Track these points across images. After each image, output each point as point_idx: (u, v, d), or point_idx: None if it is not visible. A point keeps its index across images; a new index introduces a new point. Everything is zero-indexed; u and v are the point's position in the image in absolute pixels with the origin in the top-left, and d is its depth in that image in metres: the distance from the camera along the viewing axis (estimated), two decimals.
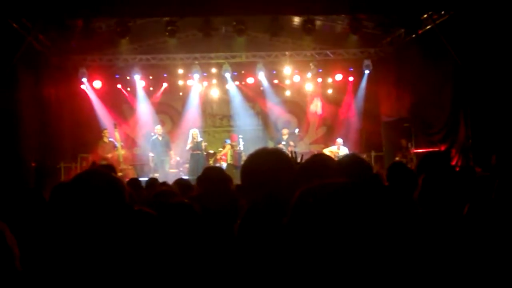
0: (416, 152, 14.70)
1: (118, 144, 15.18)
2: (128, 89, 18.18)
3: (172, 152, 16.88)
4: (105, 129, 15.86)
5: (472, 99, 12.41)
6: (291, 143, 16.47)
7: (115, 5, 12.04)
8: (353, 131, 18.09)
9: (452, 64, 12.85)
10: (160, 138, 16.40)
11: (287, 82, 18.63)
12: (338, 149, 16.26)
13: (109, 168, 6.05)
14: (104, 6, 11.94)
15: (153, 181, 6.83)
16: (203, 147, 16.25)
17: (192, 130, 16.45)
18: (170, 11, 12.49)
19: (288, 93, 19.21)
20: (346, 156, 4.48)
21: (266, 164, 2.67)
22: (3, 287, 1.35)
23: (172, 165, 16.91)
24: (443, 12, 12.94)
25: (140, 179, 13.94)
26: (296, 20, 14.84)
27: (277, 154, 2.80)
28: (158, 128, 16.51)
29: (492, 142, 11.20)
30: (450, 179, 3.15)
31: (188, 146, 16.23)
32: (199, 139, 16.28)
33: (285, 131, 17.04)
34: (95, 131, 16.86)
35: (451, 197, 3.04)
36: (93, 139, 16.50)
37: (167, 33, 13.90)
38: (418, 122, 15.34)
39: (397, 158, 15.55)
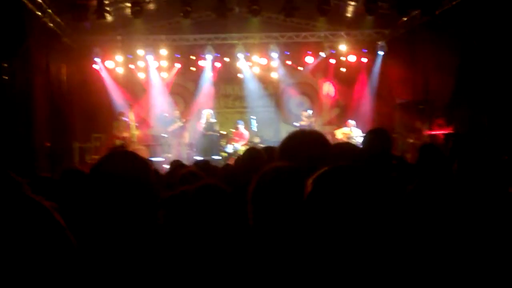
0: (430, 134, 14.61)
1: (132, 124, 15.25)
2: (141, 69, 18.12)
3: (186, 134, 17.00)
4: (122, 111, 15.95)
5: (489, 82, 12.28)
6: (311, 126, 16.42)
7: None
8: (366, 112, 17.99)
9: (469, 45, 12.71)
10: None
11: (300, 63, 18.50)
12: (351, 131, 16.20)
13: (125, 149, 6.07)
14: None
15: (176, 163, 6.78)
16: (217, 128, 16.29)
17: (205, 111, 16.47)
18: None
19: (301, 74, 19.08)
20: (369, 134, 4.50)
21: (305, 144, 2.83)
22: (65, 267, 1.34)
23: (185, 145, 17.01)
24: None
25: (153, 159, 14.13)
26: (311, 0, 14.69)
27: (315, 136, 2.97)
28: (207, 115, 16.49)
29: (509, 126, 11.12)
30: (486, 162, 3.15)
31: (202, 126, 16.26)
32: (213, 120, 16.30)
33: (304, 113, 16.96)
34: (108, 111, 16.95)
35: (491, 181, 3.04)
36: (106, 119, 16.59)
37: (182, 14, 13.83)
38: (434, 104, 15.23)
39: (411, 140, 15.46)
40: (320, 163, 2.36)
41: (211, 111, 16.56)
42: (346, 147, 3.88)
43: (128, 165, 2.31)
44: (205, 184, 2.42)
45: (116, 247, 2.08)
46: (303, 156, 2.68)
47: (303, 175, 1.96)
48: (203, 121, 16.33)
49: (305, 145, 2.86)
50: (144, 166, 2.35)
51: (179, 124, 16.53)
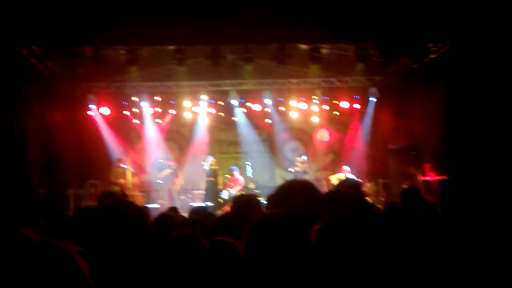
0: (424, 180, 14.66)
1: (129, 171, 15.32)
2: (136, 116, 18.25)
3: (177, 180, 17.12)
4: (120, 158, 16.04)
5: (478, 127, 12.43)
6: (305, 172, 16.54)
7: (124, 34, 12.20)
8: (360, 158, 18.08)
9: (459, 92, 12.90)
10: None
11: (293, 109, 18.68)
12: (345, 177, 16.23)
13: (114, 196, 6.11)
14: (113, 35, 12.09)
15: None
16: (217, 174, 16.47)
17: (210, 157, 16.68)
18: (179, 39, 12.64)
19: (294, 120, 19.23)
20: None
21: (297, 193, 2.90)
22: None
23: (179, 192, 17.10)
24: (447, 42, 13.05)
25: (149, 205, 14.13)
26: (303, 48, 14.94)
27: (306, 185, 3.05)
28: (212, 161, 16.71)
29: (498, 170, 11.20)
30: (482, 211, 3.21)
31: (204, 168, 16.52)
32: (216, 167, 16.53)
33: (298, 159, 17.06)
34: (103, 157, 16.98)
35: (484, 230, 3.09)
36: (102, 166, 16.61)
37: (175, 61, 14.04)
38: (426, 149, 15.34)
39: (404, 186, 15.50)
40: (311, 211, 2.44)
41: (214, 159, 16.73)
42: (339, 195, 3.94)
43: (125, 215, 2.39)
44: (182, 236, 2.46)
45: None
46: (295, 204, 2.75)
47: (301, 222, 2.03)
48: (207, 167, 16.45)
49: (297, 194, 2.93)
50: (141, 215, 2.43)
51: (169, 170, 16.67)
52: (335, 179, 16.35)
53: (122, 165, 15.74)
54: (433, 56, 13.76)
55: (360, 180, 13.88)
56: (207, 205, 14.40)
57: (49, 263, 1.35)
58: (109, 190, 13.60)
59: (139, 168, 17.95)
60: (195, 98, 17.91)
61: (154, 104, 17.89)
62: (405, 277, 1.74)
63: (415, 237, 3.30)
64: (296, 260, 1.87)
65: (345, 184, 4.07)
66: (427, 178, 14.60)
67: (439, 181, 14.10)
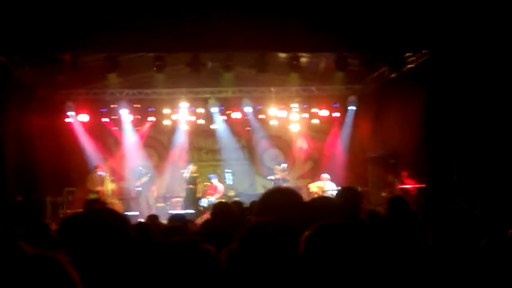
0: (402, 188, 14.78)
1: (107, 178, 15.20)
2: (114, 123, 18.13)
3: (154, 187, 17.11)
4: (97, 165, 15.87)
5: (456, 136, 12.58)
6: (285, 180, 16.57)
7: (104, 41, 12.11)
8: (339, 166, 18.18)
9: (437, 101, 13.05)
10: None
11: (273, 117, 18.70)
12: (325, 184, 16.30)
13: (98, 203, 6.08)
14: (92, 42, 12.00)
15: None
16: (197, 182, 16.46)
17: (190, 165, 16.74)
18: (158, 47, 12.60)
19: (274, 128, 19.26)
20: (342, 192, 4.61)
21: (281, 200, 2.94)
22: None
23: (157, 199, 17.05)
24: (425, 51, 13.20)
25: (128, 213, 14.04)
26: (282, 56, 15.00)
27: (290, 193, 3.09)
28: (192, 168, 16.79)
29: (477, 179, 11.34)
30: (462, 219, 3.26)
31: (184, 176, 16.48)
32: (196, 174, 16.56)
33: (278, 167, 17.08)
34: (81, 164, 16.85)
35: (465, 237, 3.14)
36: (80, 173, 16.47)
37: (155, 68, 13.99)
38: (404, 158, 15.47)
39: (384, 194, 15.61)
40: (296, 218, 2.47)
41: (195, 167, 16.72)
42: (323, 203, 3.98)
43: (108, 223, 2.38)
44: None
45: None
46: (280, 212, 2.76)
47: (292, 230, 2.05)
48: (187, 175, 16.42)
49: (281, 201, 2.96)
50: (123, 223, 2.43)
51: (145, 178, 16.62)
52: (315, 187, 16.42)
53: (100, 173, 15.60)
54: (412, 65, 13.90)
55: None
56: (186, 212, 14.38)
57: (45, 276, 1.35)
58: (92, 197, 13.53)
59: (118, 175, 17.84)
60: (174, 106, 17.86)
61: (133, 111, 17.80)
62: (393, 282, 1.77)
63: (398, 244, 3.34)
64: (288, 268, 1.88)
65: (345, 192, 4.12)
66: (406, 186, 14.72)
67: (417, 189, 14.23)
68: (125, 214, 7.85)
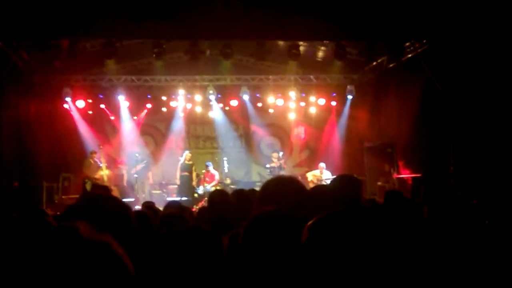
0: (399, 177, 14.83)
1: (102, 165, 15.18)
2: (112, 109, 18.10)
3: (150, 174, 17.08)
4: (94, 150, 15.83)
5: (454, 125, 12.60)
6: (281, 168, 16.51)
7: (103, 26, 12.06)
8: (335, 155, 18.22)
9: (434, 91, 13.07)
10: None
11: (271, 105, 18.71)
12: (321, 173, 16.33)
13: (105, 190, 6.10)
14: (91, 27, 11.95)
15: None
16: (192, 169, 16.45)
17: (186, 152, 16.74)
18: (158, 33, 12.55)
19: (271, 116, 19.28)
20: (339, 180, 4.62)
21: (283, 188, 2.93)
22: None
23: (153, 186, 17.08)
24: (425, 41, 13.20)
25: (124, 199, 14.03)
26: (281, 45, 14.98)
27: (292, 181, 3.08)
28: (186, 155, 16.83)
29: (473, 169, 11.39)
30: (457, 208, 3.28)
31: (180, 164, 16.49)
32: (190, 162, 16.57)
33: (274, 155, 17.05)
34: (78, 151, 16.84)
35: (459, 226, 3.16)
36: (75, 159, 16.48)
37: (154, 55, 13.94)
38: (400, 147, 15.51)
39: (379, 183, 15.68)
40: (298, 207, 2.48)
41: (189, 154, 16.74)
42: (323, 191, 4.00)
43: (111, 209, 2.39)
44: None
45: None
46: (282, 201, 2.77)
47: (298, 219, 2.05)
48: (181, 161, 16.47)
49: (284, 190, 2.96)
50: (126, 210, 2.43)
51: (141, 164, 16.63)
52: (311, 175, 16.46)
53: (96, 160, 15.56)
54: (410, 55, 13.90)
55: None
56: (182, 199, 14.39)
57: (103, 263, 1.30)
58: (95, 183, 13.56)
59: (114, 162, 17.85)
60: (172, 93, 17.83)
61: (131, 97, 17.76)
62: (398, 271, 1.78)
63: (399, 232, 3.35)
64: (293, 258, 1.90)
65: (345, 179, 4.13)
66: (402, 175, 14.77)
67: (414, 178, 14.28)
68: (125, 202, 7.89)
